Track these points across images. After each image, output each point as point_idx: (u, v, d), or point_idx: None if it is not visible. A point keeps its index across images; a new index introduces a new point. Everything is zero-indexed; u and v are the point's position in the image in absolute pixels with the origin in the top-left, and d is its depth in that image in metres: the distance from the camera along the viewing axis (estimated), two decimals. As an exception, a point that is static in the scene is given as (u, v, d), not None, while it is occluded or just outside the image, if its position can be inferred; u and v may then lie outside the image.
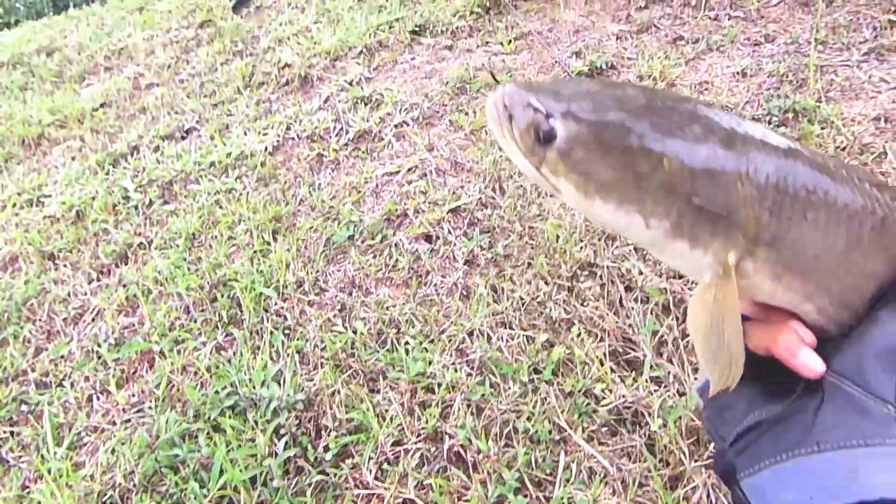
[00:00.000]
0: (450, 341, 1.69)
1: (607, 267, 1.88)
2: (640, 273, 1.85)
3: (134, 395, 1.85)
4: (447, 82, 2.85)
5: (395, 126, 2.65)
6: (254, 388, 1.66)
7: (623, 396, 1.51)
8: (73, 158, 3.29)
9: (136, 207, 2.69)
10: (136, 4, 5.24)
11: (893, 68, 2.38)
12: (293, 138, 2.78)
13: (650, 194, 0.45)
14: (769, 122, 2.23)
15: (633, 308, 1.77)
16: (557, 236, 1.96)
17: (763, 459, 0.44)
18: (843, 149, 2.06)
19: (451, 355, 1.65)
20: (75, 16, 5.68)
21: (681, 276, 1.82)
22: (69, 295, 2.31)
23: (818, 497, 0.39)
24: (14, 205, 2.98)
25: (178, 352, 1.90)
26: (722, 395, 0.47)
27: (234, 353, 1.83)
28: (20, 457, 1.78)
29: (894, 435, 0.39)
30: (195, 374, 1.82)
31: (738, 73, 2.59)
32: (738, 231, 0.44)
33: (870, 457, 0.39)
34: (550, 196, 2.16)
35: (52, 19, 5.90)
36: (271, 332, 1.84)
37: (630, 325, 1.73)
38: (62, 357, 2.08)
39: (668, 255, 0.48)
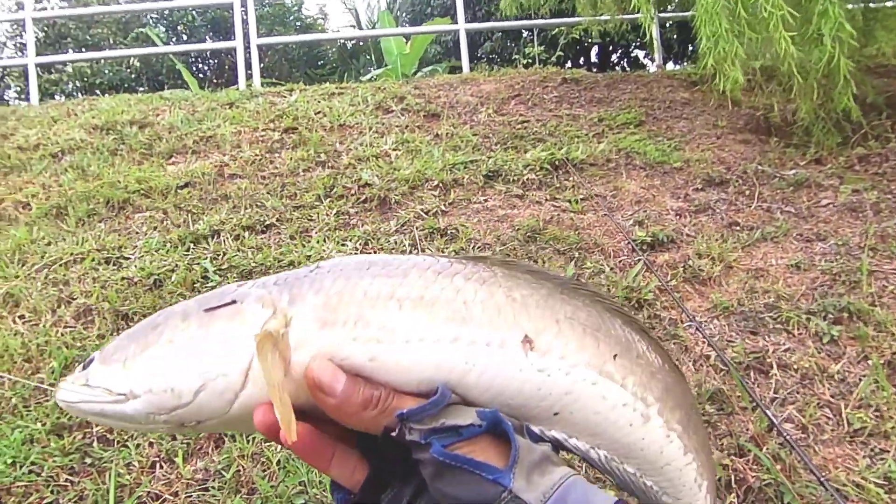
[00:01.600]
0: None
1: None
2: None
3: (198, 472, 1.92)
4: (518, 229, 3.09)
5: (470, 261, 2.85)
6: (324, 490, 1.74)
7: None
8: (154, 228, 3.51)
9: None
10: (226, 100, 5.69)
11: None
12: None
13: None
14: (824, 318, 2.40)
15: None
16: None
17: None
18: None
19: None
20: (168, 97, 6.15)
21: (742, 455, 1.92)
22: (141, 361, 2.43)
23: None
24: (93, 259, 3.16)
25: (249, 440, 1.99)
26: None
27: (304, 451, 1.91)
28: (79, 513, 1.84)
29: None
30: (264, 464, 1.90)
31: (792, 265, 2.80)
32: None
33: None
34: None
35: (147, 96, 6.39)
36: (344, 438, 1.93)
37: None
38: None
39: None
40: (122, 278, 2.98)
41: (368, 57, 12.73)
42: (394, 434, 0.46)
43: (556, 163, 3.82)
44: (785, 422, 2.01)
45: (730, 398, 2.08)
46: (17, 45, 13.80)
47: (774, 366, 2.21)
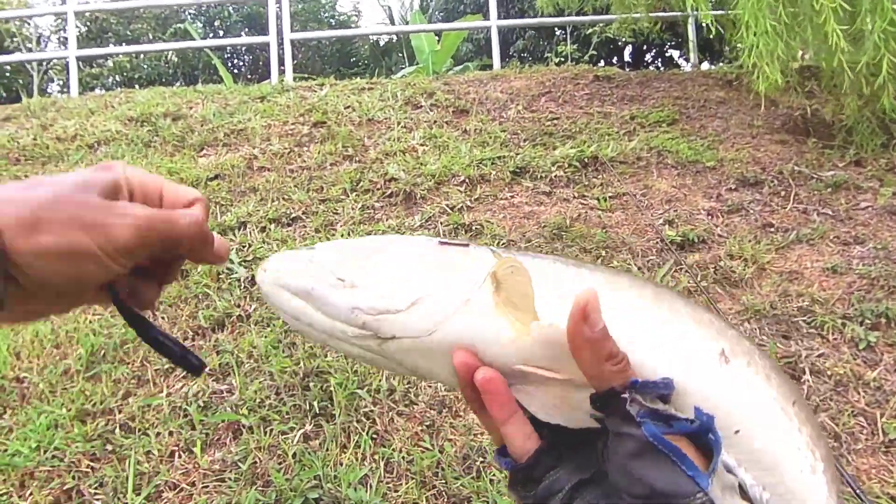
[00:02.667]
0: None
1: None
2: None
3: (216, 462, 1.92)
4: (545, 226, 3.04)
5: (494, 257, 2.82)
6: (339, 485, 1.72)
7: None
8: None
9: (238, 280, 2.87)
10: (258, 94, 5.73)
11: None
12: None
13: None
14: (861, 324, 2.31)
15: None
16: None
17: None
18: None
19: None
20: (202, 91, 6.22)
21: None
22: (164, 349, 2.44)
23: None
24: (123, 251, 3.20)
25: (266, 431, 1.99)
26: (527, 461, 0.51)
27: (320, 446, 1.90)
28: (98, 495, 1.85)
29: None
30: (280, 457, 1.89)
31: (828, 268, 2.70)
32: None
33: None
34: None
35: (181, 89, 6.48)
36: (360, 434, 1.91)
37: None
38: (149, 406, 2.18)
39: None
40: (150, 268, 3.01)
41: (400, 55, 12.75)
42: (623, 396, 0.45)
43: (585, 160, 3.75)
44: (817, 430, 1.93)
45: (759, 404, 2.01)
46: (60, 38, 14.16)
47: (807, 371, 2.13)
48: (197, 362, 0.55)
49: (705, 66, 9.22)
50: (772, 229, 3.06)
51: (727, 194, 3.44)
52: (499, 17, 7.08)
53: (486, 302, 0.49)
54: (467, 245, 0.54)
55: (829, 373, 2.11)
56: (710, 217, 3.19)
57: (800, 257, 2.81)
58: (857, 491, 1.49)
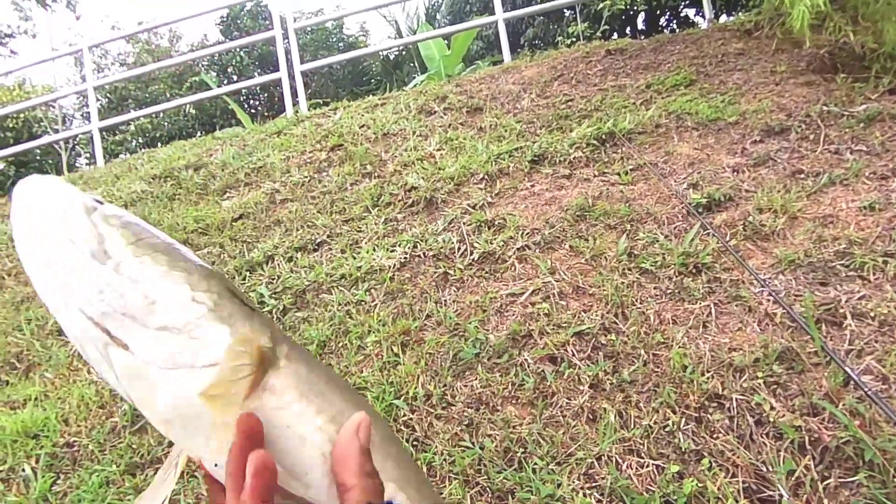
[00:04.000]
0: (577, 465, 1.71)
1: (736, 399, 1.86)
2: (772, 408, 1.82)
3: None
4: (567, 209, 2.99)
5: (518, 249, 2.80)
6: (384, 496, 1.72)
7: (762, 540, 1.46)
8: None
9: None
10: (274, 129, 5.85)
11: None
12: (419, 256, 2.97)
13: None
14: (903, 259, 2.19)
15: (765, 444, 1.73)
16: (685, 366, 1.96)
17: None
18: None
19: (579, 479, 1.66)
20: (221, 136, 6.40)
21: (816, 414, 1.77)
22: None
23: None
24: (161, 304, 3.29)
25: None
26: None
27: (364, 460, 1.91)
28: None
29: None
30: None
31: (865, 207, 2.58)
32: None
33: None
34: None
35: (201, 139, 6.67)
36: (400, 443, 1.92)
37: (763, 462, 1.68)
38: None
39: None
40: (189, 314, 3.08)
41: (412, 65, 12.82)
42: None
43: (603, 137, 3.69)
44: (863, 374, 1.83)
45: (799, 355, 1.92)
46: (83, 114, 14.79)
47: (848, 316, 2.03)
48: None
49: (724, 19, 8.95)
50: (802, 175, 2.94)
51: (752, 147, 3.32)
52: (504, 10, 7.02)
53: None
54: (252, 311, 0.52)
55: (871, 314, 2.01)
56: (735, 174, 3.08)
57: (833, 200, 2.69)
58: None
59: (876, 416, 1.66)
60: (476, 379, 2.11)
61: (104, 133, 8.37)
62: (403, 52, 13.53)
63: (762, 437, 1.76)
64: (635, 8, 10.66)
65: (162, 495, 0.51)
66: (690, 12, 11.63)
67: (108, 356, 0.47)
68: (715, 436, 1.78)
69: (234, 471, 0.46)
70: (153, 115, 13.50)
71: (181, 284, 0.49)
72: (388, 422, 2.04)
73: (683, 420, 1.82)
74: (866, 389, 1.61)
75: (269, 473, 0.46)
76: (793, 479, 1.62)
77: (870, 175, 2.81)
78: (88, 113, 10.51)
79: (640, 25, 12.13)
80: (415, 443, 1.93)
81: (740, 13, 7.70)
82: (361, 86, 13.91)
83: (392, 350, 2.36)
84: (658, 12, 11.63)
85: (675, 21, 12.08)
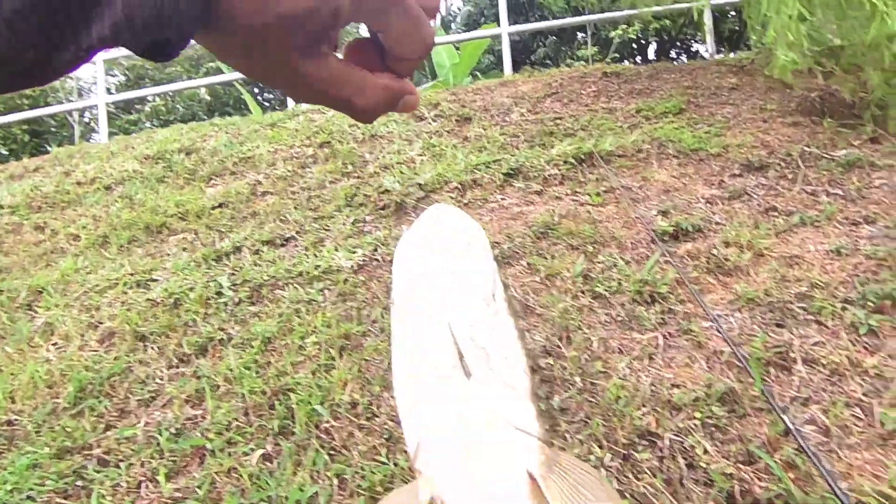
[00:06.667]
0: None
1: (669, 439, 1.80)
2: (706, 452, 1.76)
3: (179, 490, 1.89)
4: (531, 226, 2.94)
5: (475, 262, 2.74)
6: (289, 505, 1.67)
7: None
8: (184, 249, 3.59)
9: (226, 304, 2.87)
10: (269, 121, 5.82)
11: None
12: (378, 260, 2.92)
13: None
14: (863, 307, 2.13)
15: (693, 490, 1.67)
16: (619, 397, 1.91)
17: None
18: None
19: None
20: (217, 123, 6.36)
21: (751, 463, 1.71)
22: (147, 377, 2.45)
23: None
24: (125, 284, 3.24)
25: (229, 454, 1.95)
26: None
27: (277, 466, 1.86)
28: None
29: None
30: (238, 479, 1.85)
31: (832, 250, 2.52)
32: None
33: None
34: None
35: (199, 124, 6.63)
36: (316, 451, 1.86)
37: (686, 509, 1.62)
38: (127, 438, 2.18)
39: None
40: (147, 300, 3.04)
41: (423, 72, 12.81)
42: None
43: (582, 156, 3.64)
44: (806, 423, 1.77)
45: (742, 398, 1.86)
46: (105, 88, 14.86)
47: (799, 361, 1.97)
48: None
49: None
50: (774, 213, 2.88)
51: (730, 180, 3.28)
52: (516, 24, 7.01)
53: None
54: None
55: (823, 361, 1.95)
56: (708, 205, 3.03)
57: (802, 240, 2.63)
58: (833, 487, 1.36)
59: (812, 471, 1.59)
60: (406, 391, 2.05)
61: (119, 110, 8.36)
62: (414, 58, 13.48)
63: (691, 482, 1.70)
64: (647, 39, 10.63)
65: None
66: (701, 48, 11.62)
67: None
68: (640, 476, 1.71)
69: None
70: (168, 99, 13.49)
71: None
72: (308, 429, 1.98)
73: (609, 456, 1.76)
74: (804, 443, 1.55)
75: None
76: (713, 527, 1.56)
77: (842, 219, 2.76)
78: (108, 88, 10.52)
79: (651, 56, 12.12)
80: (331, 451, 1.87)
81: (741, 52, 7.70)
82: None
83: (329, 353, 2.30)
84: (668, 45, 11.62)
85: (684, 54, 12.07)
